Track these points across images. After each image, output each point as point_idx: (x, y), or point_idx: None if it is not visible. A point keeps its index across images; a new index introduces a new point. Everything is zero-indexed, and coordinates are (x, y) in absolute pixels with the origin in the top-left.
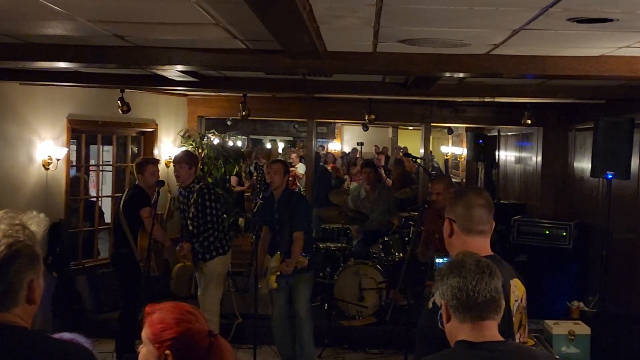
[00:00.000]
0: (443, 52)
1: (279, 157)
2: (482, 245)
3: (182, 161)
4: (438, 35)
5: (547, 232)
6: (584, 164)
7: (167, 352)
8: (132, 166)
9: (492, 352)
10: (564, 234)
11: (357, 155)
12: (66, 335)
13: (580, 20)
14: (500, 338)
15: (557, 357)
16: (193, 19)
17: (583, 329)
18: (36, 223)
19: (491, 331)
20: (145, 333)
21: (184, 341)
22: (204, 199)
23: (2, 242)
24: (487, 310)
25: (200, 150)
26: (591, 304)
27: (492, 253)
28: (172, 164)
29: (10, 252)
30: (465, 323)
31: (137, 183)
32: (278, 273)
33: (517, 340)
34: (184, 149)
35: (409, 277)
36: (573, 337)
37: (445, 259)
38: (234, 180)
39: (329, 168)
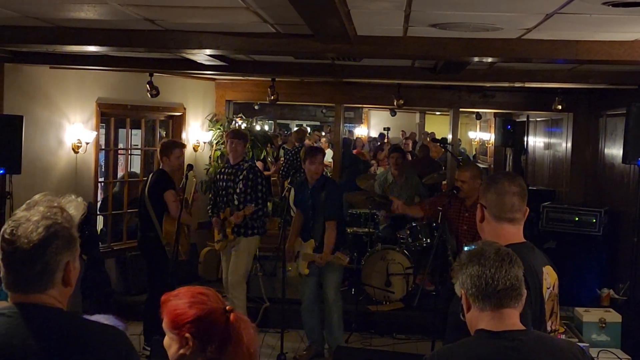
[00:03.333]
0: (474, 36)
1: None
2: (513, 233)
3: (241, 138)
4: (470, 19)
5: (577, 218)
6: (614, 150)
7: (187, 335)
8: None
9: (512, 341)
10: (594, 220)
11: (385, 140)
12: (100, 317)
13: (616, 4)
14: (521, 327)
15: (587, 344)
16: (223, 2)
17: (614, 316)
18: (74, 207)
19: (511, 319)
20: (164, 323)
21: (201, 322)
22: (255, 177)
23: (41, 223)
24: (507, 298)
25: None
26: (621, 292)
27: (524, 240)
28: (229, 139)
29: (48, 233)
30: (484, 311)
31: (161, 167)
32: (310, 260)
33: (549, 328)
34: (212, 133)
35: (437, 263)
36: (604, 325)
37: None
38: (259, 165)
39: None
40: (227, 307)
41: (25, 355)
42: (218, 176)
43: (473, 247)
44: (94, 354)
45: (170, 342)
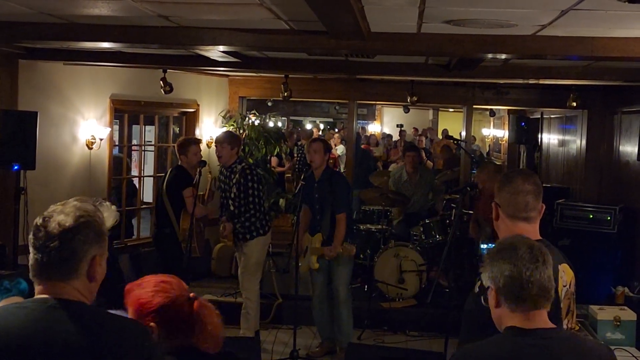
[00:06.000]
0: (488, 33)
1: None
2: (528, 231)
3: (225, 141)
4: (484, 15)
5: (591, 216)
6: (629, 148)
7: (152, 324)
8: (174, 146)
9: (544, 339)
10: (609, 218)
11: (401, 137)
12: (116, 312)
13: (632, 0)
14: (551, 325)
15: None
16: None
17: (629, 314)
18: (107, 212)
19: (542, 318)
20: (129, 313)
21: (165, 311)
22: (246, 180)
23: (73, 212)
24: (540, 301)
25: (241, 131)
26: (636, 289)
27: (540, 238)
28: (214, 144)
29: (78, 222)
30: (516, 312)
31: (179, 163)
32: (320, 254)
33: (565, 327)
34: (225, 129)
35: (451, 260)
36: (619, 323)
37: (491, 245)
38: (274, 161)
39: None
40: (191, 295)
41: (47, 349)
42: (220, 177)
43: (493, 245)
44: (116, 347)
45: None
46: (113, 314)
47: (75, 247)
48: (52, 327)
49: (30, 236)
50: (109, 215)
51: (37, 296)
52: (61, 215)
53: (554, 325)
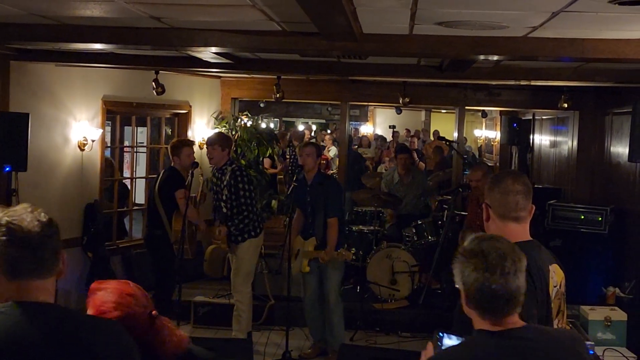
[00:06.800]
0: (480, 34)
1: (311, 140)
2: (519, 231)
3: (216, 143)
4: (476, 17)
5: (583, 217)
6: (620, 149)
7: None
8: (166, 148)
9: (519, 339)
10: (600, 219)
11: (394, 138)
12: None
13: (623, 2)
14: (521, 323)
15: (592, 342)
16: (230, 0)
17: (619, 315)
18: None
19: (512, 319)
20: (89, 312)
21: (123, 324)
22: (236, 181)
23: (39, 211)
24: (510, 310)
25: (233, 132)
26: (627, 290)
27: (530, 238)
28: (205, 145)
29: (50, 220)
30: (485, 319)
31: (172, 165)
32: (312, 258)
33: (555, 327)
34: (217, 130)
35: (443, 261)
36: (609, 323)
37: None
38: (267, 162)
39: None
40: (153, 312)
41: (27, 353)
42: (213, 179)
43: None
44: (96, 348)
45: None
46: (85, 315)
47: (53, 244)
48: (29, 332)
49: (1, 238)
50: None
51: (10, 299)
52: (31, 215)
53: (523, 323)
